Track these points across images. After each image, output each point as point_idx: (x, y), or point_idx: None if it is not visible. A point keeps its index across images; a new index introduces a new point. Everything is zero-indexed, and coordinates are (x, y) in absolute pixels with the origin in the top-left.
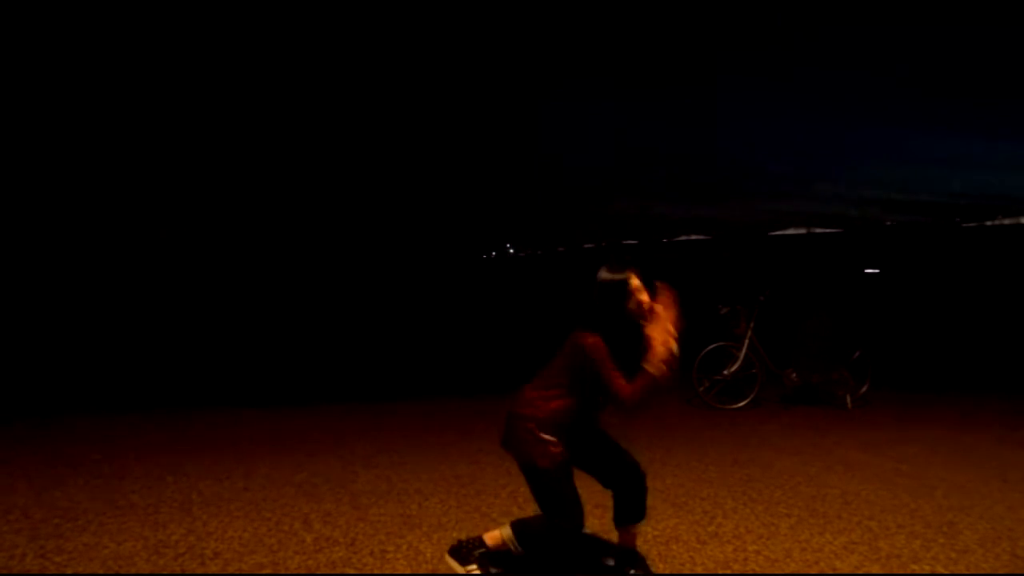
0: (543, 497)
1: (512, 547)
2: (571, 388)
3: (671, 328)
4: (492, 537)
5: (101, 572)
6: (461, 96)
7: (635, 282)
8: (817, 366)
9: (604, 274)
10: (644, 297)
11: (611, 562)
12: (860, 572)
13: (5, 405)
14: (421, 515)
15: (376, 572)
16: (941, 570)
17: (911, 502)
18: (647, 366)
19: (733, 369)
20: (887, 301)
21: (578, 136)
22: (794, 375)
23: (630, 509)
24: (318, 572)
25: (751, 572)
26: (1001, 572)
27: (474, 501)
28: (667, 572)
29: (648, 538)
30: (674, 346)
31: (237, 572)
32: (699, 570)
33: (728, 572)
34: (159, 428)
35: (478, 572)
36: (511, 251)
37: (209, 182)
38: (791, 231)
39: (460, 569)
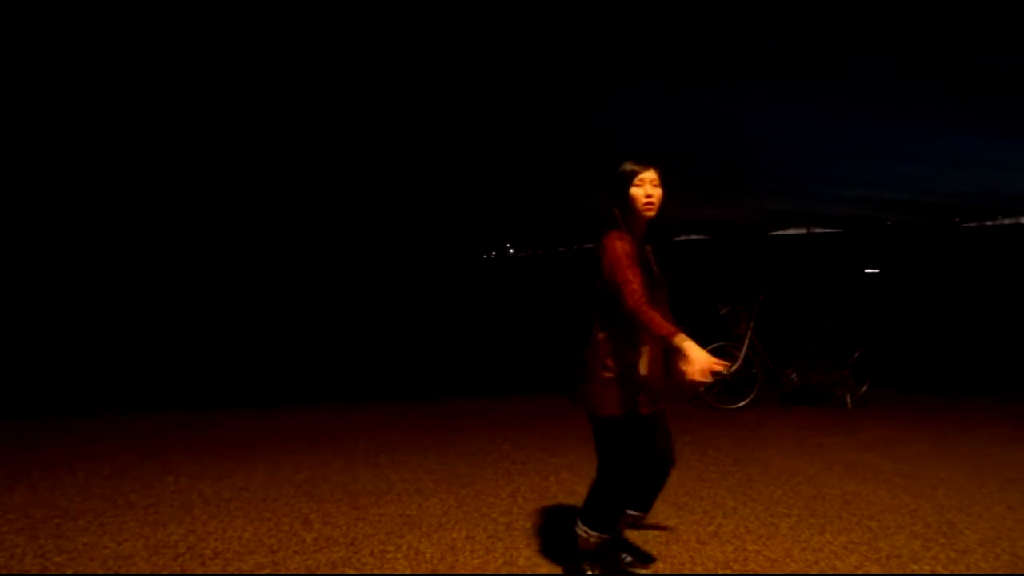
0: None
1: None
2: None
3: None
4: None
5: (101, 572)
6: (461, 95)
7: (650, 174)
8: (817, 366)
9: (620, 166)
10: (654, 191)
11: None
12: (860, 572)
13: (5, 405)
14: (421, 515)
15: (376, 572)
16: (941, 570)
17: (911, 502)
18: (678, 340)
19: (733, 369)
20: (887, 301)
21: (577, 135)
22: (794, 375)
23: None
24: (318, 572)
25: (751, 572)
26: (1001, 572)
27: (474, 501)
28: (667, 572)
29: (648, 538)
30: (698, 373)
31: (237, 572)
32: (699, 570)
33: (728, 572)
34: (159, 428)
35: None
36: (511, 251)
37: (209, 182)
38: (791, 231)
39: None
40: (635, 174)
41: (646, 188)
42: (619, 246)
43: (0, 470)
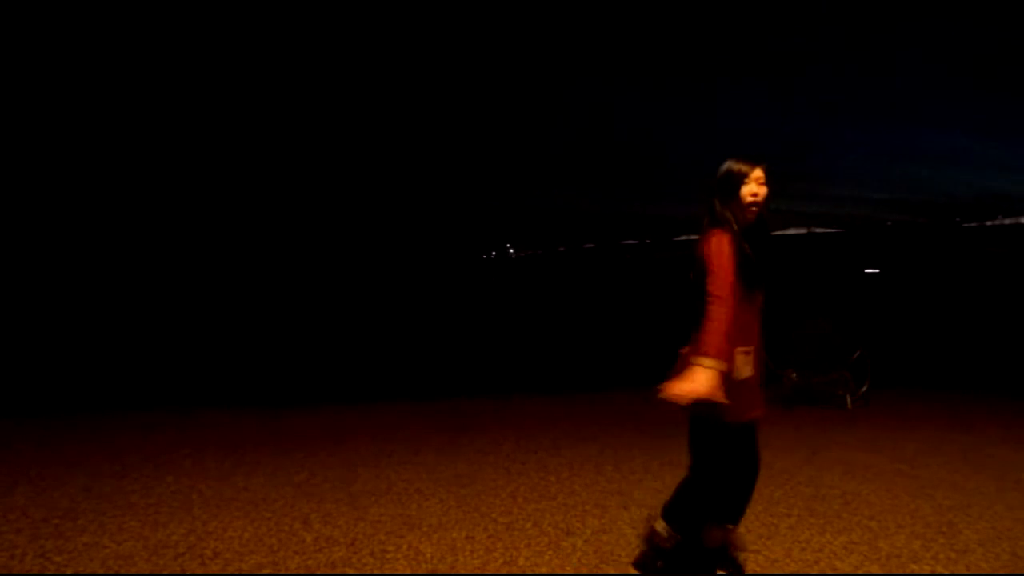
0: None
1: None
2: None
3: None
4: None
5: (101, 572)
6: (462, 95)
7: (757, 172)
8: (817, 366)
9: (726, 164)
10: (760, 189)
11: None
12: (860, 572)
13: (5, 404)
14: (421, 515)
15: (376, 572)
16: (941, 570)
17: (911, 502)
18: (698, 360)
19: None
20: (887, 301)
21: (577, 135)
22: (794, 375)
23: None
24: (318, 572)
25: (751, 572)
26: (1001, 572)
27: (474, 501)
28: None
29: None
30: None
31: (237, 572)
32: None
33: (728, 572)
34: (159, 428)
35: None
36: (511, 251)
37: (209, 182)
38: (791, 231)
39: None
40: (745, 173)
41: (752, 186)
42: (724, 243)
43: (0, 470)
